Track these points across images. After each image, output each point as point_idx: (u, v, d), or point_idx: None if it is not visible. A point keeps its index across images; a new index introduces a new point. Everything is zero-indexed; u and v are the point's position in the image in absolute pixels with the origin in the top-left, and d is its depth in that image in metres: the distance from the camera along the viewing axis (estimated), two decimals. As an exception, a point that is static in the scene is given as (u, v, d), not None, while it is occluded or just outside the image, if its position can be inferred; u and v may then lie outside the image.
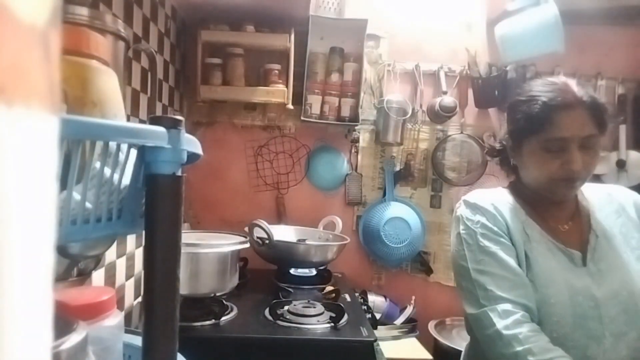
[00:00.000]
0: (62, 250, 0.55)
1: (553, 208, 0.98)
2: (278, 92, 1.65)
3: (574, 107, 0.88)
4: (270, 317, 1.18)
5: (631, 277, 0.91)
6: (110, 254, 1.12)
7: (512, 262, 0.91)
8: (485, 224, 0.95)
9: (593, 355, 0.88)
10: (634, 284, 0.90)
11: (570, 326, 0.88)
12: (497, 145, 1.11)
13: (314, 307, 1.23)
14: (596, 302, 0.88)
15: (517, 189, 1.02)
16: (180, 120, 0.44)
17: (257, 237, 1.46)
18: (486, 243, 0.93)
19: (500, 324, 0.86)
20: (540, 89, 0.92)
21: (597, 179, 1.86)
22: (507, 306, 0.87)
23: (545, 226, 0.96)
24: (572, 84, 0.91)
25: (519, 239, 0.94)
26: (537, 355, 0.81)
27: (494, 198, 1.00)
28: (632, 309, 0.89)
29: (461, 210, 1.00)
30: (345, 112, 1.76)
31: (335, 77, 1.76)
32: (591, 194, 1.02)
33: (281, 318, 1.17)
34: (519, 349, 0.83)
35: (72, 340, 0.42)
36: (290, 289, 1.43)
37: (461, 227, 0.98)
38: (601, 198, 1.01)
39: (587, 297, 0.89)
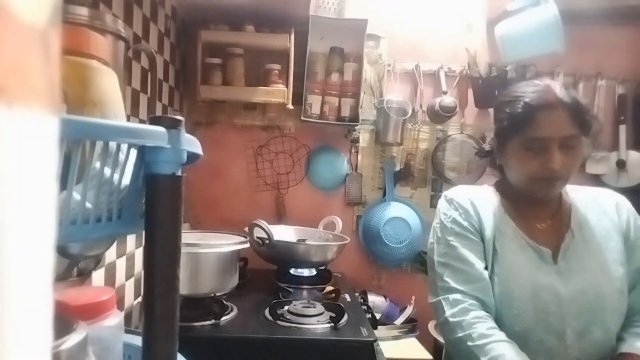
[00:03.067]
0: (62, 250, 0.55)
1: (534, 206, 1.00)
2: (278, 92, 1.65)
3: (554, 107, 0.90)
4: (270, 317, 1.18)
5: (602, 278, 0.93)
6: (110, 254, 1.12)
7: (472, 257, 0.96)
8: (455, 219, 1.00)
9: (555, 351, 0.91)
10: (603, 284, 0.92)
11: (531, 321, 0.91)
12: (487, 147, 1.14)
13: (314, 307, 1.23)
14: (559, 299, 0.91)
15: (502, 187, 1.06)
16: (180, 120, 0.44)
17: (257, 237, 1.46)
18: (452, 237, 0.98)
19: (448, 312, 0.93)
20: (523, 89, 0.95)
21: (597, 179, 1.86)
22: (458, 296, 0.93)
23: (521, 223, 0.99)
24: (555, 85, 0.94)
25: (491, 234, 0.97)
26: (474, 341, 0.87)
27: (474, 194, 1.03)
28: (598, 309, 0.91)
29: (440, 204, 1.06)
30: (345, 112, 1.76)
31: (335, 77, 1.76)
32: (576, 195, 1.04)
33: (281, 318, 1.17)
34: (460, 334, 0.89)
35: (72, 340, 0.42)
36: (290, 289, 1.43)
37: (436, 220, 1.04)
38: (585, 200, 1.03)
39: (550, 294, 0.91)
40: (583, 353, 0.91)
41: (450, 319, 0.93)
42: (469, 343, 0.88)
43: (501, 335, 0.88)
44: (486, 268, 0.96)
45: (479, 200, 1.02)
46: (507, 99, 0.97)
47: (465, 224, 0.99)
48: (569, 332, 0.90)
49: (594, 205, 1.02)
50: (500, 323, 0.93)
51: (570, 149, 0.91)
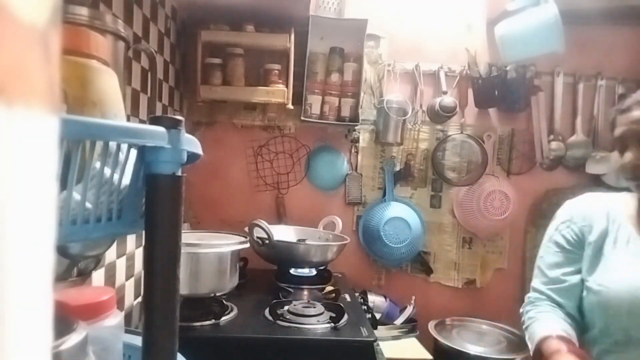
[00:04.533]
0: (62, 250, 0.55)
1: None
2: (278, 92, 1.64)
3: None
4: (270, 317, 1.18)
5: None
6: (110, 254, 1.12)
7: (559, 263, 1.03)
8: (559, 226, 1.06)
9: None
10: None
11: (627, 324, 0.89)
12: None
13: (314, 307, 1.24)
14: None
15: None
16: (180, 120, 0.44)
17: (257, 237, 1.46)
18: (551, 244, 1.07)
19: (523, 307, 1.07)
20: None
21: (597, 179, 1.86)
22: (533, 294, 1.06)
23: None
24: None
25: (599, 241, 0.98)
26: (525, 324, 1.03)
27: (593, 202, 1.05)
28: None
29: (558, 211, 1.11)
30: (345, 112, 1.76)
31: (335, 77, 1.76)
32: None
33: (281, 318, 1.17)
34: (523, 321, 1.04)
35: (72, 340, 0.42)
36: (290, 289, 1.43)
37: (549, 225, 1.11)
38: None
39: None
40: None
41: (521, 311, 1.06)
42: (524, 327, 1.00)
43: (548, 315, 0.97)
44: (579, 272, 1.00)
45: (594, 208, 1.03)
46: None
47: (565, 231, 1.04)
48: None
49: None
50: (601, 331, 0.95)
51: None
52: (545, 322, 0.96)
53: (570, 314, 0.99)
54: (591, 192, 1.11)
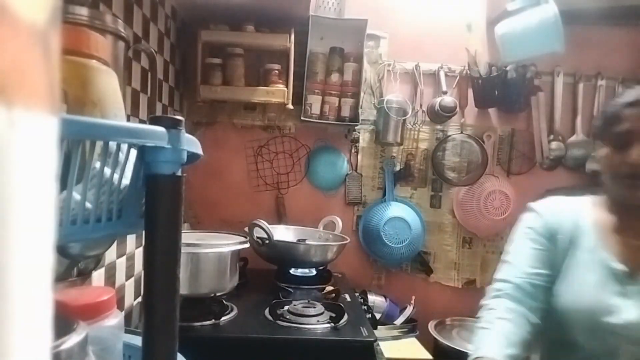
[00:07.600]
0: (62, 250, 0.55)
1: (632, 218, 0.91)
2: (278, 92, 1.64)
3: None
4: (270, 317, 1.18)
5: None
6: (110, 254, 1.12)
7: (528, 255, 0.95)
8: (528, 222, 0.99)
9: None
10: None
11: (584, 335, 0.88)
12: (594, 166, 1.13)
13: (314, 307, 1.24)
14: (621, 321, 0.85)
15: (604, 201, 0.99)
16: (180, 120, 0.44)
17: (257, 237, 1.46)
18: (519, 238, 0.98)
19: (484, 299, 0.95)
20: (622, 94, 0.92)
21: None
22: (498, 285, 0.94)
23: (614, 238, 0.92)
24: None
25: (566, 243, 0.94)
26: (480, 323, 0.90)
27: (558, 204, 1.01)
28: None
29: (525, 214, 1.04)
30: (345, 112, 1.76)
31: (335, 77, 1.76)
32: None
33: (281, 318, 1.17)
34: (480, 316, 0.92)
35: (72, 340, 0.42)
36: (290, 289, 1.43)
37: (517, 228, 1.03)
38: None
39: (610, 316, 0.86)
40: None
41: (482, 303, 0.94)
42: (478, 325, 0.90)
43: (502, 327, 0.86)
44: (549, 273, 0.94)
45: (560, 210, 0.99)
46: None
47: (535, 225, 0.97)
48: (622, 354, 0.85)
49: None
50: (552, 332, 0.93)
51: None
52: (495, 339, 0.85)
53: (529, 314, 0.90)
54: (555, 197, 1.05)
